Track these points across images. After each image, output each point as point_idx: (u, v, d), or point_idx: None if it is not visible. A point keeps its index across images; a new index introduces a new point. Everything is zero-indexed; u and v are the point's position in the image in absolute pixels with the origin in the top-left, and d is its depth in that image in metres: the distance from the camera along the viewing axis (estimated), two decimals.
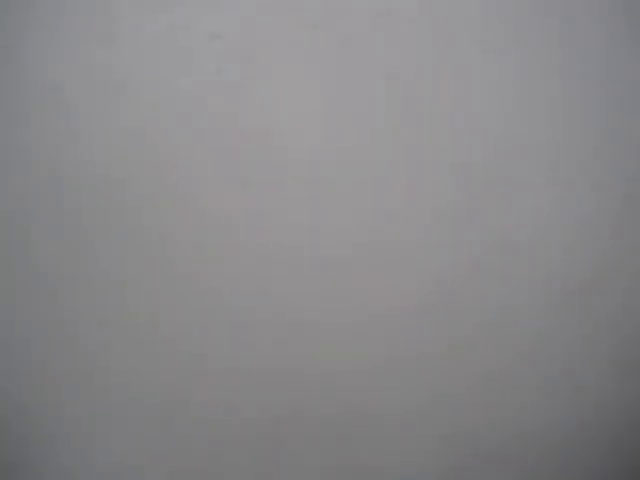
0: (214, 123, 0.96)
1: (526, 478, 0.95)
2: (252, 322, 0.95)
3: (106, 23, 0.96)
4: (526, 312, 0.95)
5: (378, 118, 0.96)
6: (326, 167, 0.96)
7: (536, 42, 0.96)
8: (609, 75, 0.96)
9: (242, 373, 0.95)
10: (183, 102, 0.96)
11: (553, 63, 0.96)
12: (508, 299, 0.95)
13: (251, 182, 0.95)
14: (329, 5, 0.96)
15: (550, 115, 0.96)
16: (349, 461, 0.95)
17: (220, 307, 0.95)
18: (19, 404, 0.96)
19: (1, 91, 0.97)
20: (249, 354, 0.95)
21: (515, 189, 0.96)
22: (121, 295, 0.96)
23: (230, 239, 0.95)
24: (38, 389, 0.96)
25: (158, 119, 0.96)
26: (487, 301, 0.95)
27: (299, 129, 0.96)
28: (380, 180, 0.96)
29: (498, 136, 0.96)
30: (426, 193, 0.95)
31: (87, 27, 0.97)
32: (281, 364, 0.95)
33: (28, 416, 0.96)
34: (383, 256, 0.95)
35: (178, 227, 0.95)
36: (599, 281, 0.95)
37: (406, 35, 0.96)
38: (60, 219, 0.96)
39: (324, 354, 0.95)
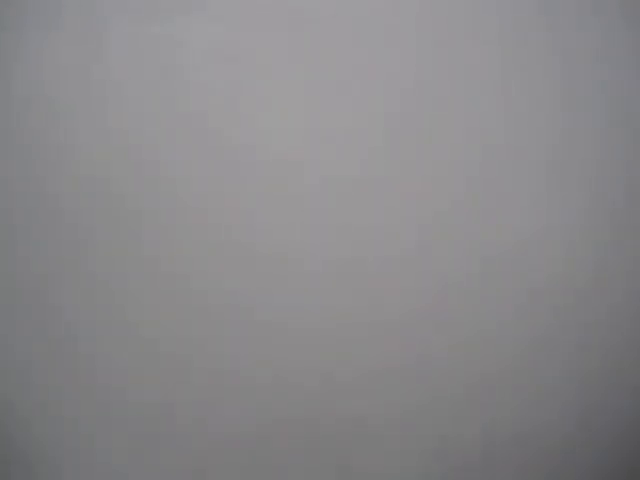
0: (210, 127, 0.96)
1: (526, 479, 0.95)
2: (250, 323, 0.95)
3: (100, 30, 0.97)
4: (527, 312, 0.95)
5: (378, 119, 0.96)
6: (324, 166, 0.96)
7: (536, 42, 0.96)
8: (610, 75, 0.96)
9: (241, 374, 0.95)
10: (181, 107, 0.96)
11: (553, 63, 0.96)
12: (508, 300, 0.95)
13: (246, 182, 0.96)
14: (325, 7, 0.96)
15: (550, 116, 0.96)
16: (347, 462, 0.95)
17: (220, 308, 0.95)
18: (18, 405, 0.96)
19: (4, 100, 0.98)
20: (247, 356, 0.95)
21: (515, 189, 0.96)
22: (120, 295, 0.96)
23: (227, 239, 0.95)
24: (35, 389, 0.96)
25: (155, 125, 0.96)
26: (487, 301, 0.95)
27: (296, 129, 0.96)
28: (379, 180, 0.96)
29: (498, 136, 0.96)
30: (426, 194, 0.95)
31: (81, 35, 0.97)
32: (279, 366, 0.95)
33: (27, 417, 0.96)
34: (382, 259, 0.95)
35: (178, 228, 0.96)
36: (599, 282, 0.95)
37: (405, 36, 0.96)
38: (59, 222, 0.96)
39: (321, 356, 0.95)
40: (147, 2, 0.97)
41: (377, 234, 0.95)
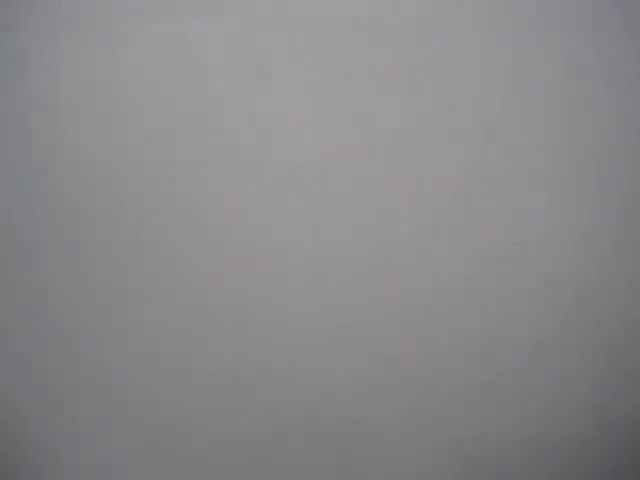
0: (216, 127, 0.96)
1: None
2: (250, 323, 0.95)
3: (110, 32, 0.97)
4: (535, 311, 0.95)
5: (379, 118, 0.96)
6: (326, 167, 0.96)
7: (536, 42, 0.96)
8: (610, 74, 0.96)
9: (242, 375, 0.95)
10: (185, 110, 0.96)
11: (554, 63, 0.96)
12: (516, 299, 0.95)
13: (251, 183, 0.96)
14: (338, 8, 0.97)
15: (550, 116, 0.96)
16: (347, 462, 0.95)
17: (220, 309, 0.95)
18: (18, 405, 0.96)
19: (6, 101, 0.98)
20: (248, 356, 0.95)
21: (515, 189, 0.95)
22: (124, 295, 0.96)
23: (230, 240, 0.95)
24: (37, 390, 0.96)
25: (162, 128, 0.96)
26: (495, 300, 0.95)
27: (300, 129, 0.96)
28: (379, 181, 0.96)
29: (498, 136, 0.96)
30: (427, 194, 0.95)
31: (92, 38, 0.97)
32: (280, 366, 0.95)
33: (28, 417, 0.96)
34: (383, 259, 0.95)
35: (180, 229, 0.96)
36: (600, 283, 0.95)
37: (406, 39, 0.96)
38: (60, 221, 0.96)
39: (322, 356, 0.95)
40: (161, 3, 0.97)
41: (378, 235, 0.95)
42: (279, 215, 0.95)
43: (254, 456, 0.95)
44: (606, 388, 0.95)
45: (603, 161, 0.95)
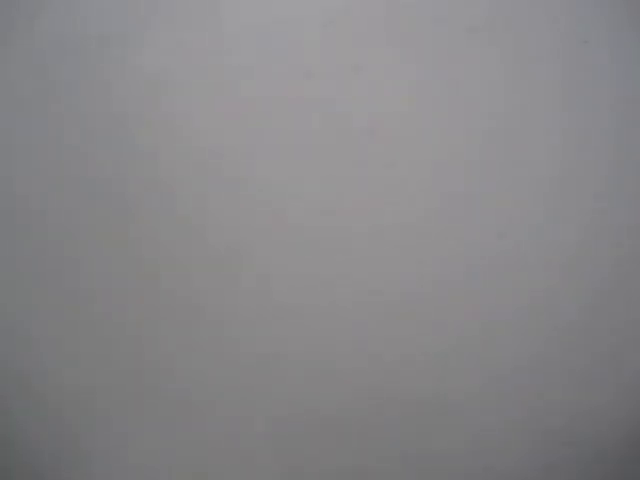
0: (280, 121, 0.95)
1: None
2: (326, 313, 0.94)
3: (205, 15, 0.96)
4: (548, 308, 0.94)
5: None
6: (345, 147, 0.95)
7: (540, 40, 0.96)
8: (611, 73, 0.96)
9: (320, 364, 0.94)
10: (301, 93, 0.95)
11: (556, 63, 0.95)
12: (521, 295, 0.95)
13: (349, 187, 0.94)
14: None
15: (551, 120, 0.95)
16: (427, 444, 0.94)
17: (290, 298, 0.94)
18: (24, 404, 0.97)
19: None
20: (325, 345, 0.94)
21: (517, 188, 0.96)
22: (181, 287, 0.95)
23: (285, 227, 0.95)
24: (41, 389, 0.96)
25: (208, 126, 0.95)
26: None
27: (397, 128, 0.94)
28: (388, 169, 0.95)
29: (498, 139, 0.95)
30: (426, 194, 0.96)
31: (184, 23, 0.97)
32: (359, 349, 0.94)
33: (31, 417, 0.97)
34: (430, 237, 0.94)
35: (251, 230, 0.94)
36: (619, 284, 0.94)
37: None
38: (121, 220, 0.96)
39: (406, 338, 0.94)
40: None
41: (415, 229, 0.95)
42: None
43: (338, 432, 0.94)
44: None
45: (603, 164, 0.95)
